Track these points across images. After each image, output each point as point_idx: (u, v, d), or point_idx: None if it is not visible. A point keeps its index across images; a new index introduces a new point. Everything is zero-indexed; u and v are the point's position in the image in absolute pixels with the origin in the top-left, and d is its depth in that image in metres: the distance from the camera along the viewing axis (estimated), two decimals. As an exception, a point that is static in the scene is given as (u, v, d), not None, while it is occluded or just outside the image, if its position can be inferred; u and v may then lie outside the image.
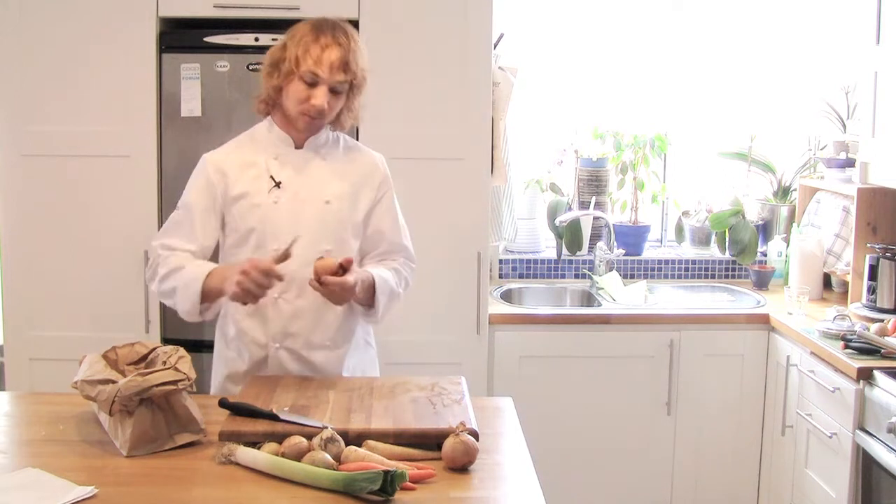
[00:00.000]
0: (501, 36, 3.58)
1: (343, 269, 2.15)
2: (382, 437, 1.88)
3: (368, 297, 2.29)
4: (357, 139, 2.81)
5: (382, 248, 2.42)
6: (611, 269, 3.82)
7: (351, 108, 2.33)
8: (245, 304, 2.18)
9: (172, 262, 2.27)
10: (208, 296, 2.21)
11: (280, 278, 2.14)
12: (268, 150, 2.35)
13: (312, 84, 2.22)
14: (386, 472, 1.66)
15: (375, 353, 2.56)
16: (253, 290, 2.10)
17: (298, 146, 2.35)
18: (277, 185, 2.31)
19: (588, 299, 3.79)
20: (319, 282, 2.13)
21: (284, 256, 2.13)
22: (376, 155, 2.46)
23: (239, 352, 2.36)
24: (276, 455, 1.79)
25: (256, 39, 3.13)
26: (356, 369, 2.43)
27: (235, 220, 2.31)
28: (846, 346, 2.87)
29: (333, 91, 2.24)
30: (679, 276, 4.00)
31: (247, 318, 2.33)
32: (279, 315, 2.31)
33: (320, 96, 2.22)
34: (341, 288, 2.14)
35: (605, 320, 3.39)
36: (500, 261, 3.94)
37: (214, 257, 2.39)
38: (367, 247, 2.42)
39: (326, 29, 2.24)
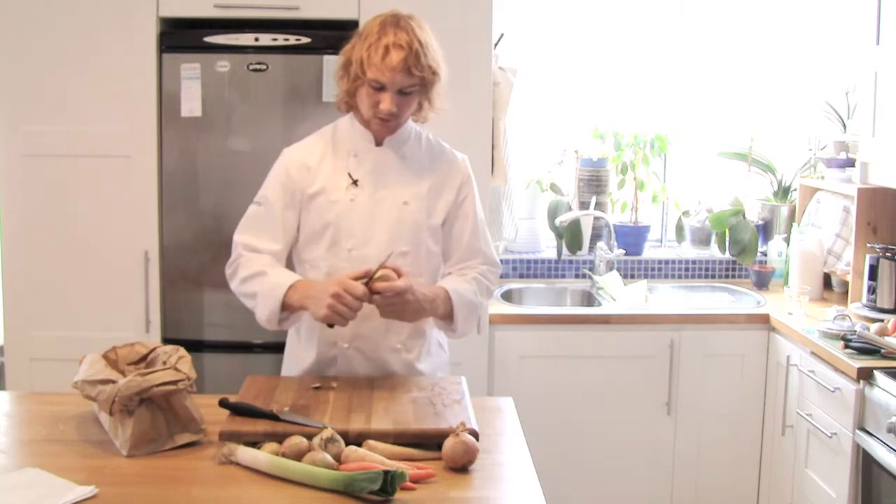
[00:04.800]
0: (501, 36, 3.58)
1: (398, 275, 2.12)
2: (382, 437, 1.88)
3: (447, 311, 2.25)
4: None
5: (461, 253, 2.35)
6: (611, 269, 3.81)
7: (430, 101, 2.27)
8: (332, 326, 2.13)
9: (254, 266, 2.23)
10: (288, 307, 2.18)
11: (369, 301, 2.10)
12: (347, 146, 2.30)
13: (380, 89, 2.17)
14: (386, 472, 1.66)
15: (448, 357, 2.49)
16: (345, 315, 2.07)
17: (379, 143, 2.30)
18: (355, 182, 2.27)
19: (588, 299, 3.79)
20: (371, 290, 2.09)
21: (372, 275, 2.10)
22: (459, 155, 2.40)
23: (308, 350, 2.33)
24: (276, 455, 1.79)
25: (256, 39, 3.13)
26: (427, 373, 2.37)
27: (312, 216, 2.28)
28: (846, 346, 2.87)
29: (402, 93, 2.19)
30: (679, 276, 4.00)
31: None
32: None
33: (388, 101, 2.17)
34: (393, 293, 2.09)
35: (606, 320, 3.39)
36: (501, 261, 3.93)
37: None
38: (447, 251, 2.37)
39: (389, 30, 2.16)
